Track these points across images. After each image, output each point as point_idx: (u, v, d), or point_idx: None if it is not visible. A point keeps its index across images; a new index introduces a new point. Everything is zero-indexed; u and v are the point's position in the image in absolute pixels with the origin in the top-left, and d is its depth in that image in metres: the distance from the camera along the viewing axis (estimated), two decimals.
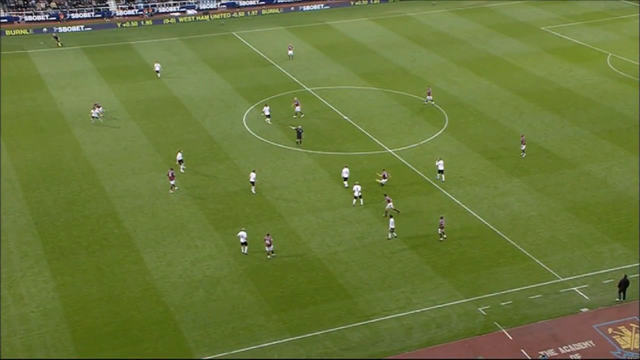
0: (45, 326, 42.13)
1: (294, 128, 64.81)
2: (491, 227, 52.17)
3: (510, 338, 41.33)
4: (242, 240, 48.42)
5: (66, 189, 56.88)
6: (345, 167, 57.76)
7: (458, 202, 55.36)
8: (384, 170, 57.56)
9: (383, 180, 56.61)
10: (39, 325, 42.17)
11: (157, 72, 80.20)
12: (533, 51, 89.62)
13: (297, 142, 63.65)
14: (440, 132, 67.17)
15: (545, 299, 44.67)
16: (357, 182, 55.24)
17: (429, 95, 73.23)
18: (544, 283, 46.20)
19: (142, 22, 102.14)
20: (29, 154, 62.59)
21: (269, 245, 47.97)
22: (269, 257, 48.09)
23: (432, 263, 48.12)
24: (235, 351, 40.45)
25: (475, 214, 53.75)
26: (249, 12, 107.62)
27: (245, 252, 48.48)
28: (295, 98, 71.59)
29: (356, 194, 54.21)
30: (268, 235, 48.38)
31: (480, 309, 43.79)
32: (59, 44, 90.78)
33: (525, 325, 42.38)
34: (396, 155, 62.52)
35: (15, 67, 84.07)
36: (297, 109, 69.73)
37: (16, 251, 49.03)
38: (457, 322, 42.84)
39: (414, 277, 46.72)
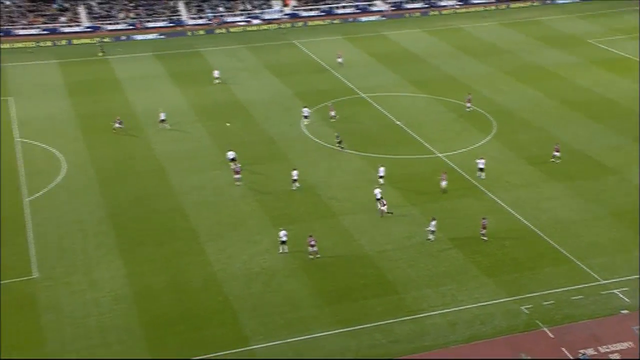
0: (116, 310, 42.86)
1: (337, 135, 64.52)
2: (534, 229, 51.14)
3: (552, 336, 40.45)
4: (283, 239, 48.15)
5: (138, 185, 57.73)
6: (382, 166, 57.61)
7: (503, 205, 54.41)
8: (444, 172, 57.00)
9: (444, 183, 55.91)
10: (111, 309, 42.91)
11: (217, 78, 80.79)
12: (579, 62, 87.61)
13: (340, 148, 63.44)
14: (488, 138, 66.15)
15: (586, 300, 43.61)
16: (377, 186, 54.74)
17: (468, 102, 72.30)
18: (585, 285, 45.10)
19: (210, 31, 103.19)
20: (106, 152, 63.70)
21: (312, 246, 47.61)
22: (310, 256, 47.61)
23: (476, 262, 47.40)
24: (289, 340, 40.48)
25: (519, 217, 52.75)
26: (309, 22, 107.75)
27: (286, 250, 48.13)
28: (330, 103, 71.31)
29: (378, 197, 53.54)
30: (311, 236, 48.06)
31: (522, 307, 42.96)
32: (101, 53, 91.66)
33: (566, 324, 41.46)
34: (445, 160, 61.78)
35: (96, 71, 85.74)
36: (332, 113, 69.69)
37: (92, 240, 49.98)
38: (500, 319, 42.12)
39: (459, 276, 46.10)
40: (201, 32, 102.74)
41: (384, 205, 52.38)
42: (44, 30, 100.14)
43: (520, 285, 45.07)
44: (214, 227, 51.62)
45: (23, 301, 43.52)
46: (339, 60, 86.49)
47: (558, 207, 54.12)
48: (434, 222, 49.53)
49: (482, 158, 58.67)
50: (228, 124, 63.76)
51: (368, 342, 40.41)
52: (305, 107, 70.09)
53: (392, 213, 52.36)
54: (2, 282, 45.20)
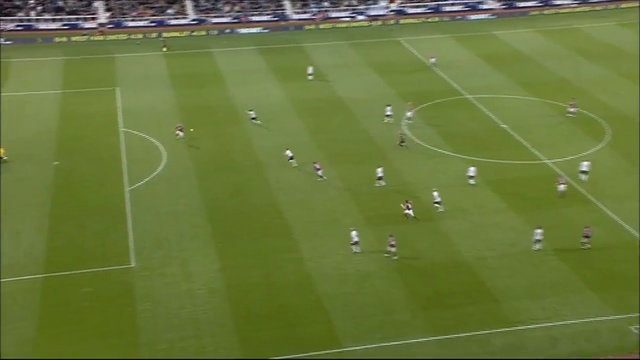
0: (209, 303, 43.79)
1: (400, 135, 64.08)
2: None
3: None
4: (355, 239, 48.02)
5: (235, 179, 58.82)
6: (473, 166, 57.19)
7: (614, 217, 52.26)
8: (560, 176, 55.65)
9: (562, 187, 54.58)
10: (204, 302, 43.88)
11: (310, 74, 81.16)
12: None
13: (401, 146, 62.81)
14: (601, 145, 63.69)
15: None
16: (434, 189, 53.70)
17: (571, 107, 69.66)
18: None
19: (300, 27, 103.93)
20: (205, 144, 65.21)
21: (392, 246, 47.27)
22: (386, 255, 47.43)
23: (582, 275, 45.73)
24: (381, 344, 40.27)
25: (631, 230, 50.53)
26: (416, 20, 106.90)
27: (358, 251, 48.10)
28: (410, 103, 70.34)
29: (437, 199, 52.66)
30: (391, 236, 47.69)
31: (632, 327, 41.10)
32: (165, 48, 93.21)
33: None
34: (552, 166, 59.92)
35: (200, 64, 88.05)
36: (409, 114, 68.85)
37: (188, 232, 51.28)
38: (607, 338, 40.47)
39: (563, 288, 44.59)
40: (305, 27, 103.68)
41: (409, 209, 51.53)
42: (152, 22, 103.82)
43: (629, 303, 43.11)
44: (308, 224, 51.98)
45: (120, 289, 45.19)
46: (432, 60, 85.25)
47: None
48: (539, 231, 48.14)
49: (586, 160, 57.31)
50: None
51: (462, 352, 39.69)
52: (388, 105, 69.65)
53: (418, 219, 51.52)
54: (102, 269, 47.12)
